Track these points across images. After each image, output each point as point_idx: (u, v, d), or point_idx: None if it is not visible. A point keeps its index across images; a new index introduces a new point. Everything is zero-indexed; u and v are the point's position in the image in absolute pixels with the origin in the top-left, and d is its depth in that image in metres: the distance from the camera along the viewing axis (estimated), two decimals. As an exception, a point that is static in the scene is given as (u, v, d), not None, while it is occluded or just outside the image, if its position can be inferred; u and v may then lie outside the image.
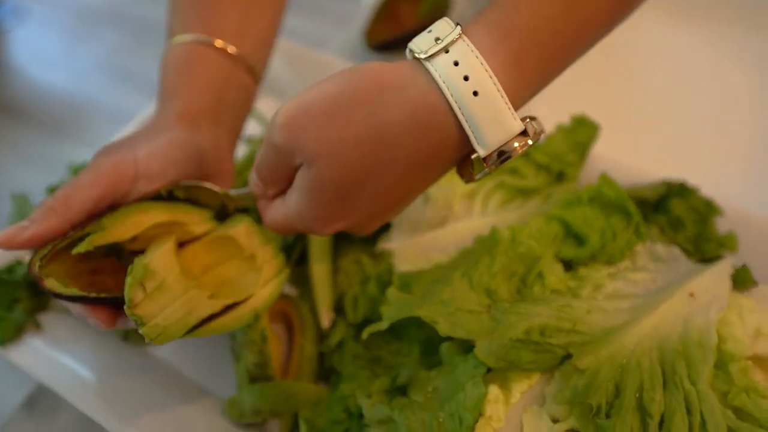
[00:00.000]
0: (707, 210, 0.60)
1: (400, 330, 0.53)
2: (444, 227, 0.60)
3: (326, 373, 0.55)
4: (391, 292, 0.49)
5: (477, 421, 0.39)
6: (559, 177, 0.64)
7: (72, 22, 1.17)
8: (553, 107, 0.79)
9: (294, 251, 0.61)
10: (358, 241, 0.62)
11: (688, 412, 0.39)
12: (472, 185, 0.63)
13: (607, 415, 0.38)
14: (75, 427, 0.56)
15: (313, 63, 0.78)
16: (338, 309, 0.58)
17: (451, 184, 0.63)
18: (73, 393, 0.51)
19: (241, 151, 0.74)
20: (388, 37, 0.87)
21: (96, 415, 0.50)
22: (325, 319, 0.57)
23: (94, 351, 0.55)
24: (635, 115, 0.80)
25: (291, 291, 0.62)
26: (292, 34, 0.81)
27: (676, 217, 0.59)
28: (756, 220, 0.60)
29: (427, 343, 0.52)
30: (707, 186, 0.61)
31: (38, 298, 0.57)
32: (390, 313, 0.47)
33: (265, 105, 0.80)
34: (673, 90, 0.83)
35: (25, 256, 0.58)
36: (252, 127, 0.77)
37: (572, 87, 0.82)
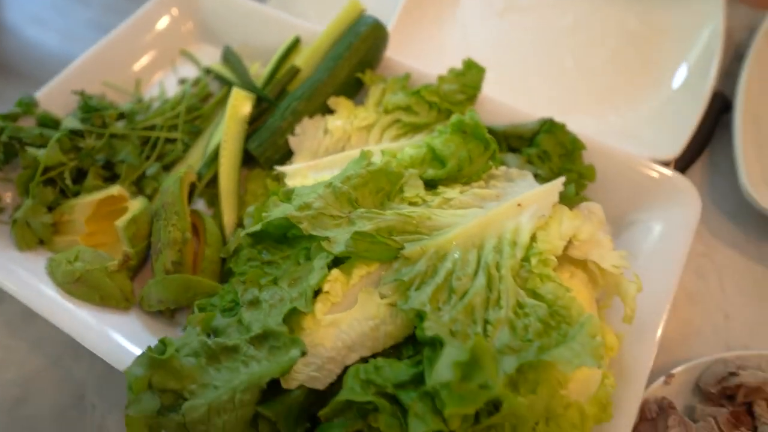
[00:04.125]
0: (573, 145, 0.68)
1: (294, 240, 0.61)
2: (339, 154, 0.68)
3: (226, 275, 0.64)
4: (273, 201, 0.58)
5: (317, 296, 0.48)
6: (448, 114, 0.71)
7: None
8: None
9: (206, 174, 0.69)
10: (266, 167, 0.71)
11: (490, 290, 0.48)
12: (369, 119, 0.71)
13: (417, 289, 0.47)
14: (15, 317, 0.65)
15: (247, 12, 0.85)
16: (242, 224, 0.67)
17: (349, 119, 0.71)
18: (12, 282, 0.60)
19: (173, 90, 0.82)
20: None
21: (32, 304, 0.58)
22: (229, 229, 0.66)
23: (31, 254, 0.64)
24: (529, 65, 0.86)
25: (206, 210, 0.70)
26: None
27: (543, 150, 0.67)
28: (613, 154, 0.67)
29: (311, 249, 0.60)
30: (579, 126, 0.69)
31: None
32: (267, 219, 0.56)
33: (203, 51, 0.88)
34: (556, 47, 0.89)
35: None
36: (187, 70, 0.85)
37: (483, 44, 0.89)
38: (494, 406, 0.41)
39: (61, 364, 0.63)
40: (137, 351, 0.55)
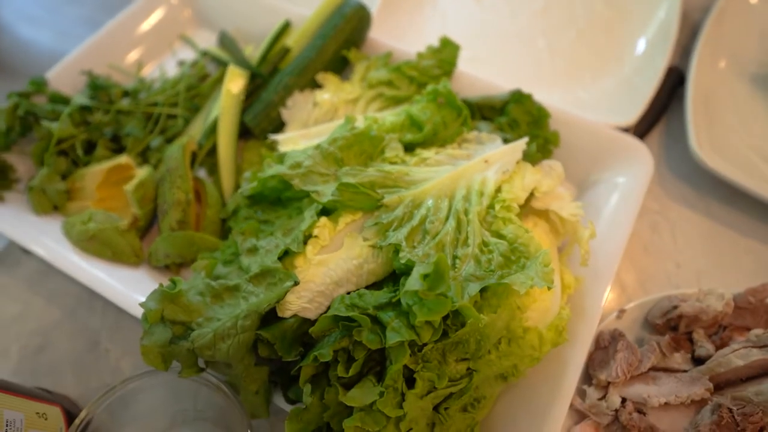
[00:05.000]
0: (539, 113, 0.74)
1: (287, 201, 0.68)
2: (327, 124, 0.74)
3: (226, 234, 0.71)
4: (267, 163, 0.64)
5: (307, 240, 0.55)
6: (426, 88, 0.78)
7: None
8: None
9: (206, 144, 0.75)
10: (260, 138, 0.77)
11: (459, 232, 0.55)
12: (354, 93, 0.77)
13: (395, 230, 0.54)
14: (33, 275, 0.72)
15: (246, 0, 0.91)
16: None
17: (336, 93, 0.77)
18: (32, 242, 0.66)
19: (173, 71, 0.88)
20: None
21: (52, 260, 0.64)
22: (228, 194, 0.72)
23: (47, 218, 0.70)
24: (502, 42, 0.93)
25: (207, 178, 0.77)
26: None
27: (513, 118, 0.74)
28: (576, 121, 0.74)
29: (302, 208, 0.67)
30: (548, 97, 0.75)
31: (2, 180, 0.72)
32: (261, 177, 0.62)
33: (200, 36, 0.94)
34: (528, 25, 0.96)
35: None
36: (185, 53, 0.91)
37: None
38: (461, 324, 0.48)
39: (76, 315, 0.69)
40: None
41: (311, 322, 0.54)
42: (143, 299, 0.62)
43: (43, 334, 0.68)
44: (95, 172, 0.72)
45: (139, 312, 0.60)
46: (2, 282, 0.71)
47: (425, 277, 0.43)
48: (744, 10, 0.91)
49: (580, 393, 0.59)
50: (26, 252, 0.73)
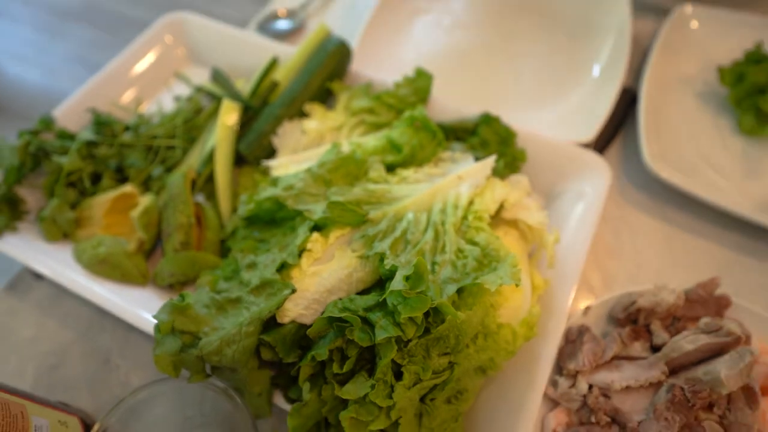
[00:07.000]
0: (506, 133, 0.82)
1: (281, 221, 0.74)
2: (314, 149, 0.81)
3: (225, 253, 0.76)
4: (262, 186, 0.71)
5: (302, 254, 0.61)
6: (404, 114, 0.85)
7: (45, 18, 1.20)
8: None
9: (204, 172, 0.82)
10: (254, 164, 0.84)
11: (437, 241, 0.62)
12: (339, 121, 0.85)
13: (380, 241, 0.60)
14: (44, 300, 0.77)
15: (236, 39, 0.99)
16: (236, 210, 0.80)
17: (322, 121, 0.84)
18: (46, 267, 0.71)
19: (169, 105, 0.95)
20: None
21: (66, 283, 0.70)
22: (225, 217, 0.79)
23: (58, 245, 0.76)
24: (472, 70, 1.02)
25: (205, 203, 0.83)
26: (219, 18, 1.02)
27: (483, 139, 0.82)
28: (540, 139, 0.82)
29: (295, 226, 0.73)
30: (515, 118, 0.83)
31: (14, 211, 0.78)
32: (257, 199, 0.69)
33: (194, 72, 1.01)
34: (495, 56, 1.05)
35: None
36: (180, 88, 0.98)
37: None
38: (441, 321, 0.55)
39: (87, 336, 0.74)
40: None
41: (308, 327, 0.59)
42: (150, 317, 0.68)
43: (57, 354, 0.72)
44: (102, 201, 0.78)
45: (147, 328, 0.66)
46: (16, 307, 0.76)
47: (407, 278, 0.50)
48: (686, 34, 1.01)
49: (553, 383, 0.66)
50: (37, 278, 0.78)
